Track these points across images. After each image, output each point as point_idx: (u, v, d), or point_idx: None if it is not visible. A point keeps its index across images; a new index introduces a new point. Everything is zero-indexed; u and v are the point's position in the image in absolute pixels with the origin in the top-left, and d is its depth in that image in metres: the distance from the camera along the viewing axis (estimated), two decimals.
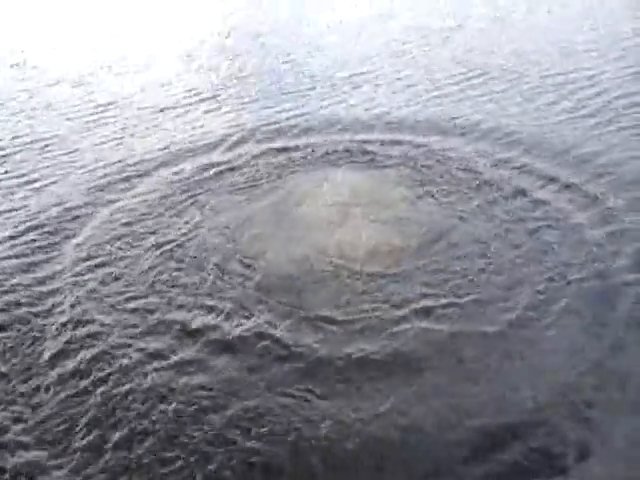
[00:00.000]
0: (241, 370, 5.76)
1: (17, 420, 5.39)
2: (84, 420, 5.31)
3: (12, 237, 8.19)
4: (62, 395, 5.59)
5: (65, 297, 6.95)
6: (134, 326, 6.42)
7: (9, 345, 6.26)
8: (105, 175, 9.91)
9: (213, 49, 17.66)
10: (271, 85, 14.04)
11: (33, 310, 6.77)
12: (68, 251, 7.85)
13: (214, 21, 21.24)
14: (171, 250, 7.75)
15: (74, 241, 8.06)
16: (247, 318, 6.42)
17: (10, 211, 8.90)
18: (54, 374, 5.84)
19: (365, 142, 10.62)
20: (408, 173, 9.37)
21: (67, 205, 8.97)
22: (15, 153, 10.94)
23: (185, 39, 18.81)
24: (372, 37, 17.62)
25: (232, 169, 9.95)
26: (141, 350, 6.06)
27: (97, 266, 7.51)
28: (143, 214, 8.66)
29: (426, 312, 6.38)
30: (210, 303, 6.70)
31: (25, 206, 9.00)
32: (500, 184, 8.83)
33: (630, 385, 5.41)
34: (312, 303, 6.62)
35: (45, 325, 6.51)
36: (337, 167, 9.82)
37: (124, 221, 8.49)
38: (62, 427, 5.28)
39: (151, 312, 6.62)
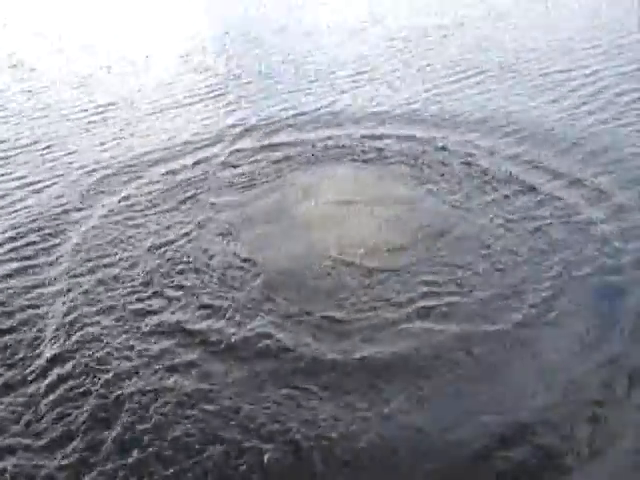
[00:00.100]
0: (242, 372, 5.70)
1: (16, 422, 5.34)
2: (84, 422, 5.25)
3: (12, 238, 8.14)
4: (62, 397, 5.53)
5: (65, 298, 6.89)
6: (134, 328, 6.36)
7: (8, 347, 6.21)
8: (105, 175, 9.90)
9: (211, 49, 17.65)
10: (270, 84, 14.04)
11: (34, 312, 6.71)
12: (67, 252, 7.80)
13: (213, 22, 21.22)
14: (171, 250, 7.70)
15: (73, 242, 8.02)
16: (248, 319, 6.36)
17: (10, 212, 8.85)
18: (54, 375, 5.78)
19: (366, 139, 10.65)
20: (410, 169, 9.39)
21: (67, 206, 8.95)
22: (15, 155, 10.90)
23: (183, 39, 18.80)
24: (370, 36, 17.63)
25: (232, 167, 9.98)
26: (142, 352, 6.00)
27: (96, 267, 7.45)
28: (143, 214, 8.62)
29: (430, 311, 6.32)
30: (211, 303, 6.64)
31: (25, 207, 8.97)
32: (505, 180, 8.83)
33: (639, 383, 5.36)
34: (314, 303, 6.56)
35: (45, 327, 6.45)
36: (338, 163, 9.81)
37: (124, 221, 8.46)
38: (61, 429, 5.22)
39: (152, 314, 6.56)
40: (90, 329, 6.36)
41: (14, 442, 5.16)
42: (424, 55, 15.45)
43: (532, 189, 8.49)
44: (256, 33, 18.96)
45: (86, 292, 6.99)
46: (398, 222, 7.94)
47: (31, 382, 5.74)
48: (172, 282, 7.07)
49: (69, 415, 5.35)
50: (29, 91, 14.60)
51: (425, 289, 6.65)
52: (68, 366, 5.88)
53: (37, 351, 6.12)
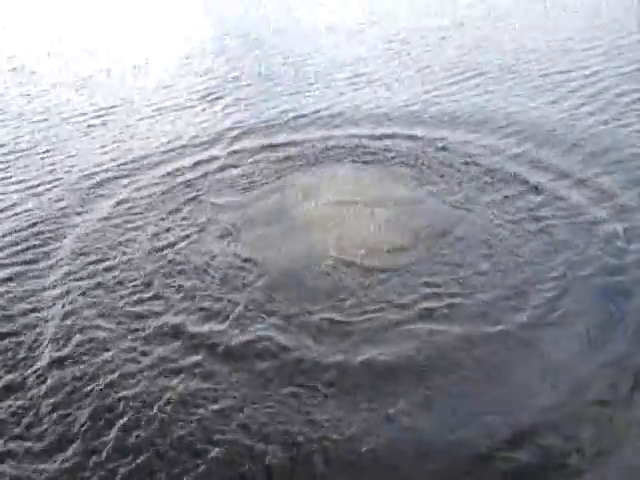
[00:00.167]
0: (244, 374, 5.67)
1: (17, 425, 5.32)
2: (85, 424, 5.24)
3: (13, 242, 8.13)
4: (62, 400, 5.51)
5: (65, 301, 6.86)
6: (136, 331, 6.33)
7: (8, 350, 6.18)
8: (105, 178, 9.87)
9: (211, 51, 17.64)
10: (269, 85, 14.04)
11: (34, 315, 6.69)
12: (67, 255, 7.77)
13: (212, 23, 21.23)
14: (172, 252, 7.67)
15: (73, 245, 7.99)
16: (250, 320, 6.33)
17: (9, 216, 8.83)
18: (55, 378, 5.75)
19: (366, 139, 10.64)
20: (411, 170, 9.37)
21: (67, 209, 8.93)
22: (15, 158, 10.88)
23: (183, 41, 18.80)
24: (369, 37, 17.63)
25: (233, 168, 9.96)
26: (143, 355, 5.98)
27: (97, 270, 7.42)
28: (143, 217, 8.60)
29: (432, 312, 6.29)
30: (212, 306, 6.61)
31: (25, 210, 8.95)
32: (506, 179, 8.81)
33: None
34: (315, 304, 6.52)
35: (45, 330, 6.42)
36: (338, 164, 9.81)
37: (124, 224, 8.43)
38: (63, 432, 5.21)
39: (153, 316, 6.53)
40: (91, 332, 6.34)
41: (14, 445, 5.14)
42: (423, 56, 15.44)
43: (534, 189, 8.47)
44: (255, 34, 18.95)
45: (86, 295, 6.97)
46: (399, 222, 7.91)
47: (31, 385, 5.72)
48: (173, 284, 7.04)
49: (70, 417, 5.33)
50: (28, 94, 14.59)
51: (427, 290, 6.63)
52: (69, 369, 5.86)
53: (37, 354, 6.09)
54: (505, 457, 4.78)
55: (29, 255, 7.83)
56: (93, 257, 7.69)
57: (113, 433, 5.15)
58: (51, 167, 10.39)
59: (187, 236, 8.02)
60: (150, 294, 6.90)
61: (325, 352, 5.85)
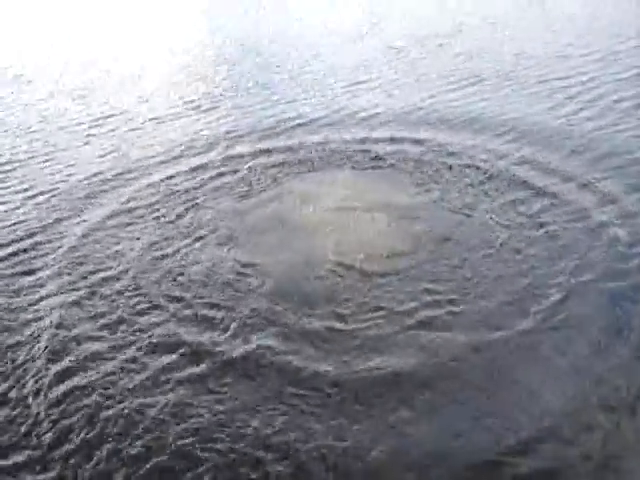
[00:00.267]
0: (244, 384, 5.61)
1: (15, 436, 5.25)
2: (84, 436, 5.18)
3: (12, 253, 8.05)
4: (60, 413, 5.43)
5: (62, 312, 6.77)
6: (133, 342, 6.24)
7: (6, 363, 6.09)
8: (103, 187, 9.81)
9: (209, 58, 17.65)
10: (267, 92, 14.04)
11: (34, 326, 6.60)
12: (65, 264, 7.69)
13: (209, 31, 21.26)
14: (170, 261, 7.60)
15: (71, 254, 7.91)
16: (249, 330, 6.26)
17: (7, 225, 8.76)
18: (53, 391, 5.67)
19: (367, 144, 10.63)
20: (414, 174, 9.37)
21: (65, 218, 8.86)
22: (13, 168, 10.82)
23: (180, 49, 18.81)
24: (368, 44, 17.65)
25: (231, 173, 9.94)
26: (143, 366, 5.90)
27: (95, 280, 7.34)
28: (141, 225, 8.53)
29: (434, 319, 6.25)
30: (211, 315, 6.54)
31: (23, 220, 8.87)
32: (509, 184, 8.82)
33: None
34: (315, 312, 6.47)
35: (42, 341, 6.33)
36: (339, 169, 9.81)
37: (122, 233, 8.36)
38: (61, 444, 5.13)
39: (151, 327, 6.43)
40: (89, 343, 6.27)
41: (13, 456, 5.07)
42: (422, 62, 15.48)
43: (536, 194, 8.46)
44: (253, 42, 18.99)
45: (84, 305, 6.89)
46: (401, 228, 7.88)
47: (29, 397, 5.63)
48: (172, 294, 6.97)
49: (69, 428, 5.27)
50: (26, 104, 14.56)
51: (429, 297, 6.59)
52: (68, 380, 5.79)
53: (35, 365, 6.00)
54: (510, 464, 4.74)
55: (27, 265, 7.76)
56: (91, 267, 7.62)
57: (113, 443, 5.09)
58: (48, 176, 10.33)
59: (186, 244, 7.96)
60: (149, 304, 6.83)
61: (326, 361, 5.79)
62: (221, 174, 9.96)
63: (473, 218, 8.03)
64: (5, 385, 5.80)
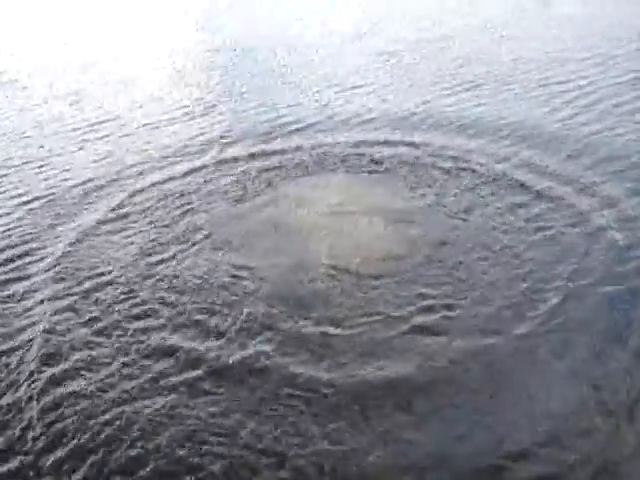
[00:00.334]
0: (238, 390, 5.55)
1: (9, 446, 5.18)
2: (82, 445, 5.12)
3: (7, 260, 7.97)
4: (56, 420, 5.37)
5: (56, 318, 6.69)
6: (129, 349, 6.17)
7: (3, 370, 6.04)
8: (97, 193, 9.72)
9: (203, 63, 17.63)
10: (262, 97, 13.99)
11: (28, 332, 6.52)
12: (60, 270, 7.61)
13: (203, 36, 21.26)
14: (164, 266, 7.53)
15: (66, 260, 7.82)
16: (245, 336, 6.21)
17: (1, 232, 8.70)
18: (48, 399, 5.60)
19: (363, 148, 10.59)
20: (410, 177, 9.35)
21: (58, 224, 8.76)
22: (7, 173, 10.75)
23: (174, 54, 18.78)
24: (363, 49, 17.63)
25: (225, 177, 9.87)
26: (138, 373, 5.83)
27: (89, 286, 7.24)
28: (135, 230, 8.46)
29: (431, 324, 6.21)
30: (206, 321, 6.47)
31: (17, 226, 8.78)
32: (508, 187, 8.81)
33: None
34: (311, 317, 6.41)
35: (35, 349, 6.24)
36: (333, 172, 9.79)
37: (116, 239, 8.27)
38: (57, 452, 5.07)
39: (147, 333, 6.36)
40: (85, 350, 6.19)
41: (6, 465, 5.00)
42: (419, 67, 15.46)
43: (536, 198, 8.46)
44: (249, 44, 18.98)
45: (78, 310, 6.82)
46: (398, 232, 7.86)
47: (25, 404, 5.56)
48: (166, 299, 6.90)
49: (64, 435, 5.21)
50: (21, 109, 14.51)
51: (426, 301, 6.55)
52: (62, 387, 5.72)
53: (30, 372, 5.92)
54: (509, 468, 4.71)
55: (21, 271, 7.68)
56: (85, 272, 7.53)
57: (107, 448, 5.05)
58: (42, 181, 10.22)
59: (180, 249, 7.89)
60: (144, 309, 6.76)
61: (322, 366, 5.75)
62: (216, 178, 9.89)
63: (470, 222, 8.02)
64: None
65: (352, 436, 5.04)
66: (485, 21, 19.75)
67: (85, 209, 9.19)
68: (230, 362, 5.86)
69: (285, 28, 21.26)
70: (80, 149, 11.66)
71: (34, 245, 8.22)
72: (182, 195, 9.37)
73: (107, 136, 12.23)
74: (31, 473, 4.93)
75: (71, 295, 7.10)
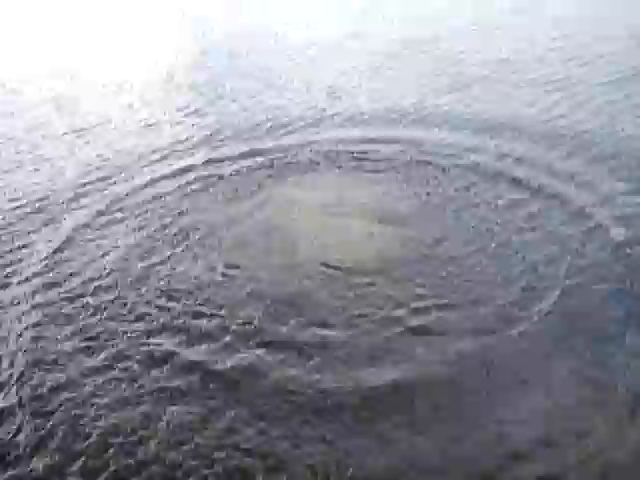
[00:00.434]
0: (233, 397, 5.51)
1: (7, 455, 5.13)
2: (78, 451, 5.09)
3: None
4: (52, 429, 5.31)
5: (43, 328, 6.61)
6: (122, 356, 6.10)
7: None
8: (85, 196, 9.64)
9: (191, 67, 17.60)
10: (251, 99, 13.95)
11: (17, 342, 6.45)
12: (51, 277, 7.54)
13: (192, 40, 21.23)
14: (155, 271, 7.46)
15: (52, 265, 7.76)
16: (238, 341, 6.16)
17: None
18: (42, 408, 5.54)
19: (353, 147, 10.61)
20: (404, 176, 9.36)
21: (47, 225, 8.74)
22: None
23: (164, 58, 18.74)
24: (351, 52, 17.62)
25: (217, 178, 9.86)
26: (132, 381, 5.77)
27: (82, 292, 7.16)
28: (124, 233, 8.40)
29: (426, 327, 6.19)
30: (199, 327, 6.41)
31: (10, 232, 8.70)
32: (503, 183, 8.86)
33: None
34: (305, 322, 6.36)
35: (25, 359, 6.16)
36: (324, 172, 9.78)
37: (104, 243, 8.20)
38: (55, 461, 5.03)
39: (140, 340, 6.30)
40: (79, 358, 6.11)
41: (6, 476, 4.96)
42: (410, 65, 15.49)
43: (533, 195, 8.49)
44: (238, 45, 18.98)
45: (72, 319, 6.72)
46: (393, 232, 7.84)
47: (18, 414, 5.50)
48: (158, 305, 6.83)
49: (62, 444, 5.16)
50: (12, 113, 14.45)
51: (423, 303, 6.52)
52: (57, 396, 5.65)
53: (22, 381, 5.85)
54: (509, 470, 4.71)
55: (8, 278, 7.61)
56: (74, 277, 7.46)
57: (100, 456, 5.01)
58: (30, 185, 10.16)
59: (171, 252, 7.83)
60: (135, 315, 6.70)
61: (317, 371, 5.72)
62: (205, 179, 9.86)
63: (466, 220, 8.02)
64: None
65: (347, 439, 5.02)
66: (474, 22, 19.78)
67: (74, 211, 9.13)
68: (224, 368, 5.83)
69: (274, 30, 21.21)
70: (69, 153, 11.57)
71: (22, 254, 8.10)
72: (173, 197, 9.31)
73: (95, 139, 12.15)
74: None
75: (60, 300, 7.04)
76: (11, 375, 5.96)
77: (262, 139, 11.43)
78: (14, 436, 5.28)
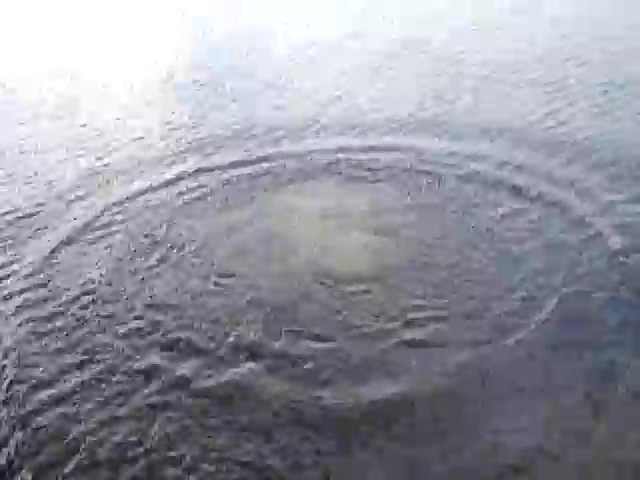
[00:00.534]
0: (225, 412, 5.45)
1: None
2: (70, 471, 5.02)
3: None
4: (43, 446, 5.26)
5: (31, 339, 6.55)
6: (112, 371, 6.02)
7: None
8: (73, 206, 9.47)
9: (189, 69, 17.51)
10: (249, 102, 13.90)
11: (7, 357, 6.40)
12: (37, 285, 7.48)
13: (193, 40, 21.16)
14: (145, 281, 7.39)
15: (44, 275, 7.67)
16: (230, 355, 6.09)
17: None
18: (33, 425, 5.46)
19: (350, 154, 10.54)
20: (401, 183, 9.33)
21: (39, 237, 8.58)
22: None
23: (164, 58, 18.67)
24: (351, 52, 17.57)
25: (208, 187, 9.75)
26: (122, 397, 5.70)
27: (70, 304, 7.06)
28: (116, 244, 8.26)
29: (424, 337, 6.16)
30: (190, 341, 6.33)
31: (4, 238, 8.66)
32: (501, 192, 8.84)
33: None
34: (298, 334, 6.31)
35: (16, 375, 6.07)
36: (319, 180, 9.73)
37: (94, 252, 8.10)
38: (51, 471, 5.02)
39: (130, 355, 6.21)
40: (70, 374, 6.00)
41: None
42: (408, 68, 15.43)
43: (532, 203, 8.47)
44: (237, 51, 18.88)
45: (61, 332, 6.62)
46: (390, 241, 7.81)
47: (10, 430, 5.44)
48: (148, 318, 6.73)
49: (53, 461, 5.10)
50: (2, 122, 14.35)
51: (419, 314, 6.49)
52: (47, 413, 5.57)
53: (14, 399, 5.76)
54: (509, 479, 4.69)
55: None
56: (65, 290, 7.33)
57: (95, 473, 4.97)
58: (20, 196, 9.99)
59: (164, 263, 7.72)
60: (127, 329, 6.60)
61: (314, 387, 5.66)
62: (198, 187, 9.74)
63: (463, 229, 8.00)
64: None
65: (346, 454, 5.00)
66: (474, 22, 19.73)
67: (65, 222, 8.97)
68: (216, 381, 5.77)
69: (274, 30, 21.14)
70: (63, 160, 11.46)
71: (10, 259, 8.05)
72: (166, 206, 9.19)
73: (87, 147, 12.02)
74: None
75: (50, 314, 6.93)
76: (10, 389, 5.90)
77: (260, 145, 11.35)
78: (0, 451, 5.22)
